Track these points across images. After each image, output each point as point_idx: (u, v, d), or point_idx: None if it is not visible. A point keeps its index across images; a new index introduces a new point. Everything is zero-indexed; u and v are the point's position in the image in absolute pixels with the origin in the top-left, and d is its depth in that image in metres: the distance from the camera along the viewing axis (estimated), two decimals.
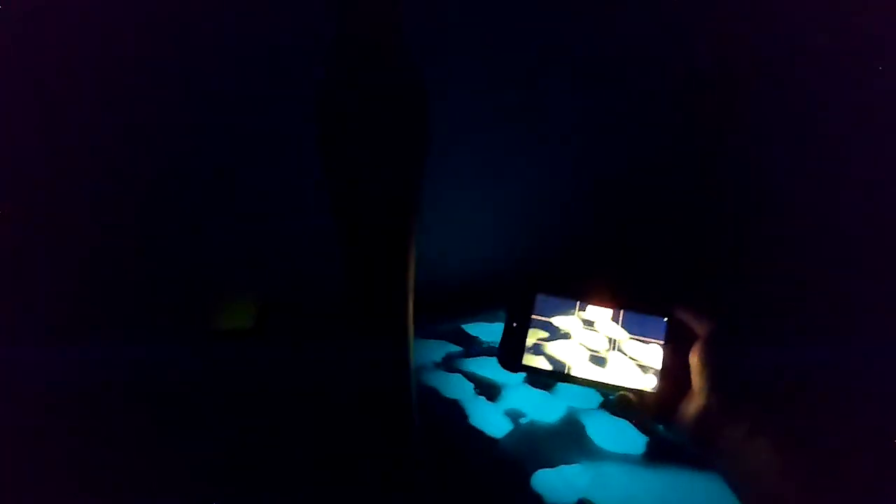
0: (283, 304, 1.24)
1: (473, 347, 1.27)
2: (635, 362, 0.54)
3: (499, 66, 1.19)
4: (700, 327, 0.51)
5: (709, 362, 0.48)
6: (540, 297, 0.57)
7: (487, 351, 1.25)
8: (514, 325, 0.56)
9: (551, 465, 0.98)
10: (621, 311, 0.56)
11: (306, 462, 0.98)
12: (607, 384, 0.53)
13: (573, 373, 0.54)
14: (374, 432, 0.89)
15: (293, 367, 1.13)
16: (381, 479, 0.88)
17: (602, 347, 0.55)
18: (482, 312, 1.34)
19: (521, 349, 0.55)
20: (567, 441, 1.03)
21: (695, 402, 0.48)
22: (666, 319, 0.55)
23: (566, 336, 0.55)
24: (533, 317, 0.56)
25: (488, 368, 1.19)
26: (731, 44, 1.26)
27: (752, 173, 1.34)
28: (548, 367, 0.54)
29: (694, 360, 0.49)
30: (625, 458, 1.01)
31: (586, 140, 1.36)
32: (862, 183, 1.18)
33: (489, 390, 1.14)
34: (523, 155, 1.32)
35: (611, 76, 1.28)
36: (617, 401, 0.52)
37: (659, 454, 1.00)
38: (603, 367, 0.54)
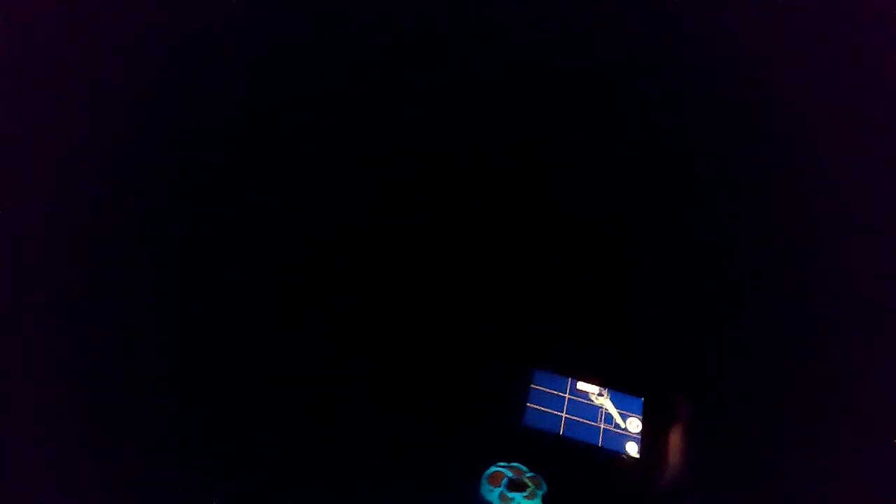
0: None
1: None
2: (621, 430, 0.59)
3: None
4: (681, 409, 0.53)
5: (686, 442, 0.49)
6: (537, 374, 0.62)
7: None
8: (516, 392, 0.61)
9: None
10: (606, 389, 0.62)
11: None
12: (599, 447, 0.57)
13: (565, 434, 0.58)
14: None
15: None
16: None
17: (593, 418, 0.60)
18: None
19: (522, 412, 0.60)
20: None
21: (669, 475, 0.49)
22: (643, 399, 0.59)
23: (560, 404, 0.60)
24: (532, 387, 0.62)
25: None
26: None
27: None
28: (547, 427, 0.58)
29: (674, 438, 0.50)
30: None
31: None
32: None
33: None
34: None
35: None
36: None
37: None
38: (596, 434, 0.59)
